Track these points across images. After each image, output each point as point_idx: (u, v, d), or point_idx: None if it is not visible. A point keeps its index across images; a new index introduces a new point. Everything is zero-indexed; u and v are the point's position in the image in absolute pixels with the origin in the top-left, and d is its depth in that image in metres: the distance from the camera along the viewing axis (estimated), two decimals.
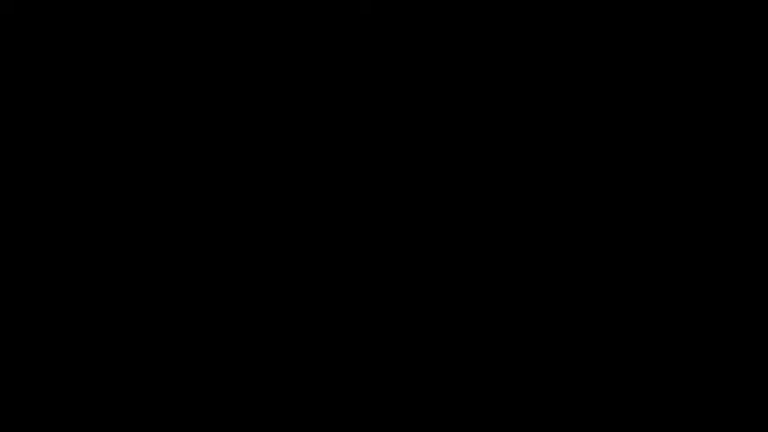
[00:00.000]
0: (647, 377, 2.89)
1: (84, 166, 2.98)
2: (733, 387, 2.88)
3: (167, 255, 2.95)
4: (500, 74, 3.00)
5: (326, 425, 2.90)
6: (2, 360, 2.90)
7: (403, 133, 2.99)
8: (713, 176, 2.96)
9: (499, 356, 2.92)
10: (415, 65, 3.00)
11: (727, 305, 2.92)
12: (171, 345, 2.92)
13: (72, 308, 2.93)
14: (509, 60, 3.00)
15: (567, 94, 2.99)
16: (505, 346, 2.92)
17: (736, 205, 2.95)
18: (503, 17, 3.01)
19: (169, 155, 2.98)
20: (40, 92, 3.00)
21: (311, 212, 2.97)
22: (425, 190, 2.97)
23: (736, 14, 2.98)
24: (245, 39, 3.01)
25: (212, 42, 3.01)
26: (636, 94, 2.99)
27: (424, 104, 3.00)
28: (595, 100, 2.99)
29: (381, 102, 3.00)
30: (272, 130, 3.00)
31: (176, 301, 2.94)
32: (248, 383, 2.91)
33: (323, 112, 3.00)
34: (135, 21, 3.02)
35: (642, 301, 2.93)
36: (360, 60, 3.00)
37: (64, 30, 3.01)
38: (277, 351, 2.93)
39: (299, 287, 2.95)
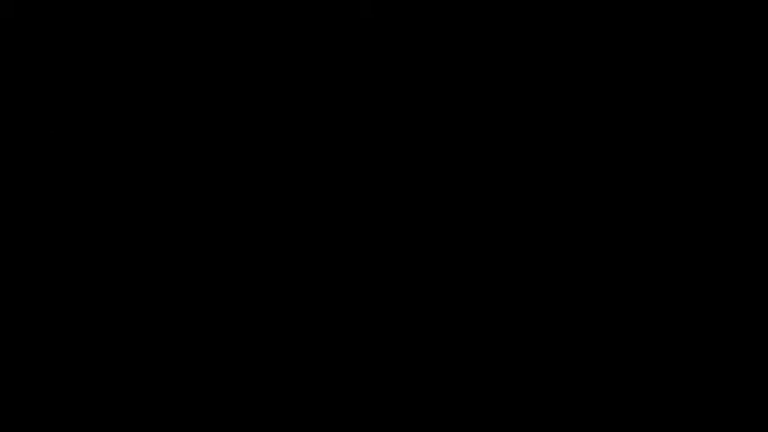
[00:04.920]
0: (647, 377, 2.90)
1: (83, 167, 2.98)
2: (733, 387, 2.88)
3: (167, 254, 2.95)
4: (500, 77, 3.01)
5: (326, 425, 2.90)
6: (2, 360, 2.90)
7: (403, 135, 3.00)
8: (713, 176, 2.97)
9: (499, 356, 2.92)
10: (415, 68, 3.00)
11: (728, 305, 2.92)
12: (171, 345, 2.92)
13: (72, 308, 2.93)
14: (509, 63, 3.01)
15: (566, 97, 3.00)
16: (505, 346, 2.93)
17: (736, 205, 2.95)
18: (503, 20, 3.01)
19: (169, 156, 2.98)
20: (40, 94, 3.00)
21: (312, 213, 2.97)
22: (425, 191, 2.98)
23: (736, 14, 2.99)
24: (246, 41, 3.02)
25: (213, 45, 3.01)
26: (636, 94, 3.00)
27: (425, 107, 3.00)
28: (595, 103, 3.00)
29: (382, 104, 3.00)
30: (273, 133, 3.00)
31: (176, 301, 2.94)
32: (248, 383, 2.91)
33: (324, 114, 3.00)
34: (135, 23, 3.02)
35: (642, 302, 2.93)
36: (360, 63, 3.00)
37: (63, 33, 3.01)
38: (277, 351, 2.93)
39: (299, 287, 2.95)
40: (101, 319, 2.93)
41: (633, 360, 2.91)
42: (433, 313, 2.94)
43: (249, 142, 2.99)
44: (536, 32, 3.01)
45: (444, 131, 3.00)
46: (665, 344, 2.91)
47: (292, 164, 2.99)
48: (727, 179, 2.96)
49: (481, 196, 2.97)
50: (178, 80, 3.00)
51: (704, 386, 2.88)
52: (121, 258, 2.95)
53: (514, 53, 3.01)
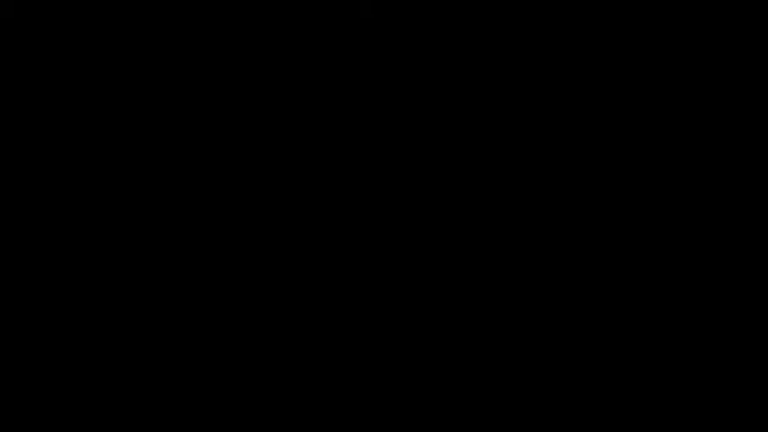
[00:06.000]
0: (647, 377, 2.90)
1: (83, 167, 2.98)
2: (733, 387, 2.88)
3: (167, 254, 2.96)
4: (500, 77, 3.01)
5: (327, 425, 2.90)
6: (2, 360, 2.90)
7: (403, 135, 3.00)
8: (713, 176, 2.97)
9: (499, 356, 2.92)
10: (415, 68, 3.00)
11: (728, 305, 2.92)
12: (171, 345, 2.92)
13: (72, 308, 2.93)
14: (509, 64, 3.01)
15: (566, 97, 3.00)
16: (505, 347, 2.93)
17: (736, 205, 2.95)
18: (504, 21, 3.01)
19: (170, 156, 2.98)
20: (40, 94, 3.00)
21: (312, 213, 2.97)
22: (425, 191, 2.98)
23: (736, 14, 2.99)
24: (246, 42, 3.02)
25: (213, 45, 3.01)
26: (636, 94, 3.00)
27: (425, 107, 3.00)
28: (594, 103, 3.00)
29: (382, 104, 3.00)
30: (273, 133, 3.00)
31: (176, 301, 2.94)
32: (248, 383, 2.91)
33: (324, 114, 3.00)
34: (134, 23, 3.02)
35: (642, 302, 2.93)
36: (360, 63, 3.00)
37: (63, 33, 3.01)
38: (277, 351, 2.93)
39: (299, 287, 2.95)
40: (101, 319, 2.93)
41: (633, 360, 2.91)
42: (432, 313, 2.94)
43: (249, 142, 2.99)
44: (536, 32, 3.01)
45: (444, 131, 3.00)
46: (665, 344, 2.91)
47: (292, 163, 2.99)
48: (728, 179, 2.96)
49: (481, 196, 2.98)
50: (178, 80, 3.00)
51: (704, 386, 2.89)
52: (121, 258, 2.95)
53: (514, 53, 3.01)
